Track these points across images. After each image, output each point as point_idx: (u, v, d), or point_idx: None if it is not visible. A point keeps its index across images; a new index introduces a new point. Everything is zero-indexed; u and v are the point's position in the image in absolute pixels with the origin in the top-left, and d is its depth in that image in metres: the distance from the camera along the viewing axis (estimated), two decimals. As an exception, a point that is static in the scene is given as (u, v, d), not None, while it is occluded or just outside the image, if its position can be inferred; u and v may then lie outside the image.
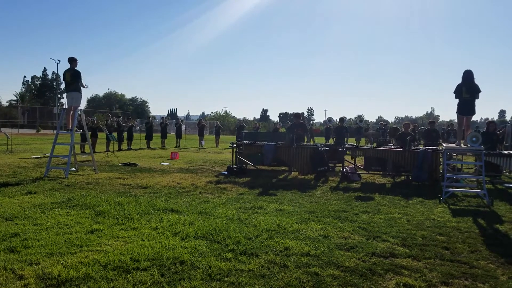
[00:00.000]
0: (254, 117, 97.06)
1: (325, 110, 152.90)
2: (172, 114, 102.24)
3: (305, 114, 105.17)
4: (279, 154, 10.89)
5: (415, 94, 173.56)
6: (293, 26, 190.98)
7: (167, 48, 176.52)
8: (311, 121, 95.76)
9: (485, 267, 3.95)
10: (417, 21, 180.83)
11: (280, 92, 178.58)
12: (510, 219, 6.08)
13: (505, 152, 9.80)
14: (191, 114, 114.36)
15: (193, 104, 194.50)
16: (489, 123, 11.19)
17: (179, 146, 23.15)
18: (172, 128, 35.82)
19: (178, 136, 24.26)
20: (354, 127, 30.19)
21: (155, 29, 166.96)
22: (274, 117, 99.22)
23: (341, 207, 6.69)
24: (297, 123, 11.81)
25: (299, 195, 7.77)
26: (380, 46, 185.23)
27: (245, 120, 65.38)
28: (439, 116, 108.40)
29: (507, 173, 11.37)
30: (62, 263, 3.76)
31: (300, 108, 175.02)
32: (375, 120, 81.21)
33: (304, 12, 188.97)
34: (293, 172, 11.27)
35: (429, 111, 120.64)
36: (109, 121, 19.94)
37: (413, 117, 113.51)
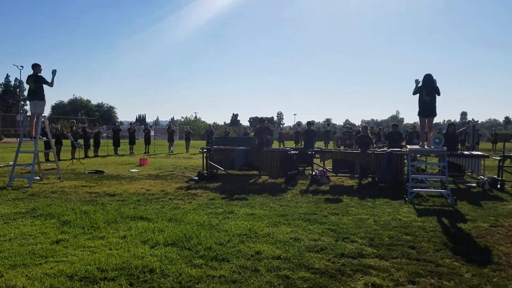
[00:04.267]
0: (225, 122, 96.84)
1: (295, 114, 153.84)
2: (141, 119, 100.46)
3: (275, 118, 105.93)
4: (250, 158, 10.92)
5: (380, 98, 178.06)
6: (262, 29, 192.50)
7: (135, 52, 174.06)
8: (281, 125, 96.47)
9: (450, 265, 4.07)
10: (382, 24, 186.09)
11: (250, 97, 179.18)
12: (473, 217, 6.31)
13: (467, 152, 10.23)
14: (160, 119, 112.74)
15: (163, 109, 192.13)
16: (449, 124, 11.63)
17: (148, 152, 22.80)
18: (141, 134, 35.34)
19: (147, 142, 23.89)
20: (323, 131, 30.63)
21: (120, 31, 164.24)
22: (244, 121, 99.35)
23: (311, 209, 6.77)
24: (262, 128, 11.88)
25: (270, 199, 7.81)
26: (347, 50, 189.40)
27: (215, 125, 65.15)
28: (403, 118, 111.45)
29: (470, 173, 11.82)
30: (26, 275, 3.62)
31: (270, 112, 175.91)
32: (342, 124, 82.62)
33: (273, 16, 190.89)
34: (263, 176, 11.32)
35: (394, 114, 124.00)
36: (75, 127, 19.42)
37: (379, 120, 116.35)
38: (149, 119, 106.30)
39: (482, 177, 9.93)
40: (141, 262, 3.98)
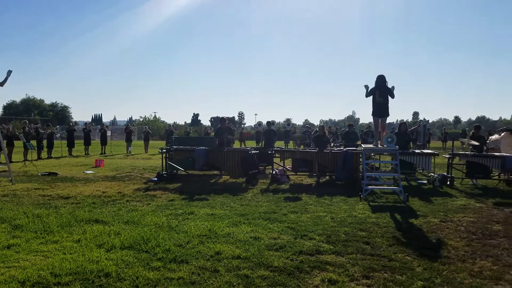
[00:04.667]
0: (185, 122, 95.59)
1: (256, 114, 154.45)
2: (97, 119, 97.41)
3: (236, 118, 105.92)
4: (210, 158, 10.88)
5: (337, 98, 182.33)
6: (222, 28, 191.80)
7: (91, 49, 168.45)
8: (242, 125, 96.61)
9: (402, 259, 4.25)
10: (340, 24, 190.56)
11: (212, 96, 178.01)
12: (424, 213, 6.61)
13: (418, 151, 10.69)
14: (117, 119, 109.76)
15: (120, 108, 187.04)
16: (401, 124, 12.13)
17: (104, 153, 22.15)
18: (97, 134, 34.32)
19: (103, 142, 23.19)
20: (283, 131, 31.00)
21: (76, 27, 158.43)
22: (205, 121, 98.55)
23: (271, 208, 6.85)
24: (223, 127, 11.88)
25: (231, 199, 7.83)
26: (307, 50, 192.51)
27: (175, 124, 64.26)
28: (359, 119, 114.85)
29: (421, 170, 12.37)
30: (-29, 285, 3.44)
31: (231, 112, 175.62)
32: (302, 123, 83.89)
33: (233, 15, 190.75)
34: (224, 176, 11.31)
35: (350, 114, 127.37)
36: (27, 128, 18.55)
37: (336, 120, 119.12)
38: (106, 119, 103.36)
39: (433, 174, 10.44)
40: (96, 266, 3.88)
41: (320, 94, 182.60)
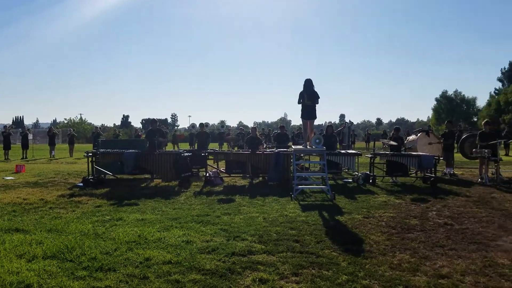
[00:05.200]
0: (114, 124, 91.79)
1: (189, 116, 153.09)
2: (18, 122, 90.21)
3: (169, 120, 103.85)
4: (141, 161, 10.56)
5: (270, 100, 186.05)
6: (155, 28, 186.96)
7: (10, 47, 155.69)
8: (175, 127, 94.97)
9: (329, 255, 4.45)
10: (272, 28, 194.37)
11: (143, 97, 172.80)
12: (349, 210, 6.98)
13: (343, 151, 11.25)
14: (40, 121, 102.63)
15: (43, 110, 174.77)
16: (328, 126, 12.71)
17: (26, 158, 20.66)
18: (17, 137, 32.18)
19: (25, 146, 21.59)
20: (217, 132, 31.03)
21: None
22: (136, 123, 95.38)
23: (204, 211, 6.83)
24: (154, 129, 11.63)
25: (162, 203, 7.68)
26: (241, 52, 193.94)
27: (103, 127, 61.50)
28: (291, 121, 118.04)
29: (346, 170, 13.00)
30: None
31: (164, 113, 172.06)
32: (236, 125, 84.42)
33: (165, 15, 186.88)
34: (156, 180, 11.06)
35: (282, 116, 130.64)
36: None
37: (269, 121, 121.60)
38: (28, 122, 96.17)
39: (357, 173, 11.03)
40: (16, 278, 3.63)
41: (254, 96, 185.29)
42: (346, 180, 11.29)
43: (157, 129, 11.81)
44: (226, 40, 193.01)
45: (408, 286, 3.59)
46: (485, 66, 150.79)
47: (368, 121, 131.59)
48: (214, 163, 12.34)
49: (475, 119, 70.09)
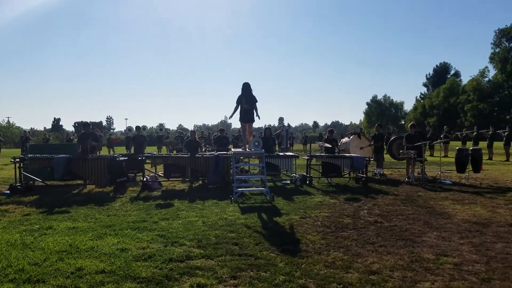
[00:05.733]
0: (45, 127, 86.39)
1: (126, 119, 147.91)
2: None
3: (104, 123, 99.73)
4: (72, 167, 10.04)
5: (211, 103, 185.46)
6: (89, 29, 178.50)
7: None
8: (111, 130, 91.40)
9: (267, 256, 4.52)
10: (210, 29, 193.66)
11: (76, 99, 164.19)
12: (287, 211, 7.13)
13: (281, 153, 11.49)
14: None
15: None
16: (266, 129, 12.92)
17: None
18: None
19: None
20: (155, 136, 30.29)
21: None
22: (68, 126, 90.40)
23: (141, 217, 6.64)
24: (87, 133, 11.12)
25: (96, 210, 7.36)
26: (178, 54, 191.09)
27: (32, 130, 57.66)
28: (231, 123, 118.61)
29: (285, 172, 13.27)
30: None
31: (98, 116, 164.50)
32: (176, 128, 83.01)
33: (98, 16, 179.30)
34: (89, 186, 10.56)
35: (223, 119, 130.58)
36: None
37: (210, 124, 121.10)
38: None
39: (295, 174, 11.31)
40: None
41: (194, 99, 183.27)
42: (285, 181, 11.52)
43: (90, 132, 11.30)
44: (166, 42, 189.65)
45: (341, 283, 3.75)
46: (412, 72, 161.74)
47: (305, 124, 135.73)
48: (151, 167, 12.04)
49: (403, 122, 74.80)
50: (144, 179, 10.42)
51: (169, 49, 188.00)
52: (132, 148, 13.93)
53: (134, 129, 14.94)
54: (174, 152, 16.99)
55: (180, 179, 11.27)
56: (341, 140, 14.59)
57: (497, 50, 62.43)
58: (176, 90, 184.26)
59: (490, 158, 19.60)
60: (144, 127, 18.17)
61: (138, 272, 3.98)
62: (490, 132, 20.25)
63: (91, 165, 10.00)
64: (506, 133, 19.04)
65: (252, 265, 4.21)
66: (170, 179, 11.18)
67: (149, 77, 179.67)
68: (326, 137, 12.96)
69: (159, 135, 28.71)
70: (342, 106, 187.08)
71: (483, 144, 19.88)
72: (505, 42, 61.73)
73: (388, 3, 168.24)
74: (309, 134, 51.01)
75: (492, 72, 64.01)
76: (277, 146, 15.55)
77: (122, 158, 10.75)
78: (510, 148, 19.01)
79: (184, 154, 11.07)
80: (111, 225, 6.05)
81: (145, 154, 11.61)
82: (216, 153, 10.87)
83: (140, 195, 9.24)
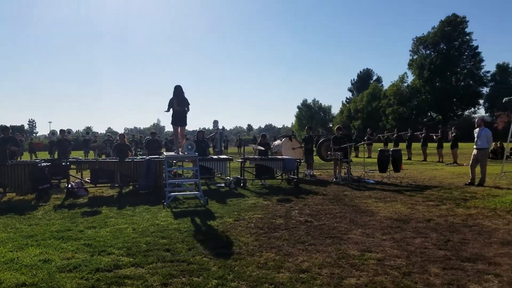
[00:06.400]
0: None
1: (50, 122, 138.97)
2: None
3: (26, 126, 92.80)
4: (-13, 174, 9.23)
5: (143, 105, 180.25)
6: (8, 27, 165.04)
7: None
8: (33, 134, 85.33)
9: (200, 261, 4.48)
10: (142, 30, 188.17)
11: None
12: (221, 214, 7.13)
13: (215, 157, 11.49)
14: None
15: None
16: (199, 132, 12.87)
17: None
18: None
19: None
20: (82, 140, 28.80)
21: None
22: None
23: (65, 226, 6.29)
24: (6, 137, 10.29)
25: (16, 219, 6.85)
26: (108, 56, 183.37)
27: None
28: (164, 126, 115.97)
29: (219, 175, 13.28)
30: None
31: (20, 119, 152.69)
32: (104, 132, 79.47)
33: (17, 15, 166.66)
34: (9, 194, 9.79)
35: (155, 122, 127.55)
36: None
37: (141, 127, 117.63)
38: None
39: (229, 177, 11.36)
40: None
41: (125, 101, 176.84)
42: (219, 184, 11.53)
43: (10, 137, 10.48)
44: (95, 38, 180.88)
45: (273, 283, 3.84)
46: (339, 77, 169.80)
47: (240, 127, 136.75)
48: (77, 173, 11.44)
49: (331, 125, 78.18)
50: (69, 186, 9.87)
51: (98, 46, 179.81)
52: (56, 153, 13.13)
53: (58, 132, 14.04)
54: (103, 156, 16.26)
55: (109, 184, 10.82)
56: (274, 142, 14.91)
57: (415, 57, 67.70)
58: (104, 91, 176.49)
59: (409, 158, 21.11)
60: (69, 131, 17.22)
61: (62, 284, 3.77)
62: (408, 134, 21.85)
63: (10, 172, 9.29)
64: (423, 135, 20.64)
65: (184, 271, 4.17)
66: (98, 185, 10.68)
67: (75, 76, 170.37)
68: (259, 141, 13.17)
69: (86, 139, 27.35)
70: (275, 109, 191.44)
71: (402, 145, 21.40)
72: (422, 49, 67.13)
73: (316, 11, 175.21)
74: (243, 137, 51.43)
75: (410, 78, 69.23)
76: (211, 149, 15.50)
77: (44, 164, 10.08)
78: (427, 149, 20.63)
79: (112, 159, 10.65)
80: (33, 235, 5.67)
81: (70, 159, 10.98)
82: (147, 157, 10.59)
83: (64, 202, 8.74)
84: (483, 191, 9.19)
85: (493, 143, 18.28)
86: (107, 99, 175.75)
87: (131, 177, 10.36)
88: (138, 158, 10.88)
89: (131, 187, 10.86)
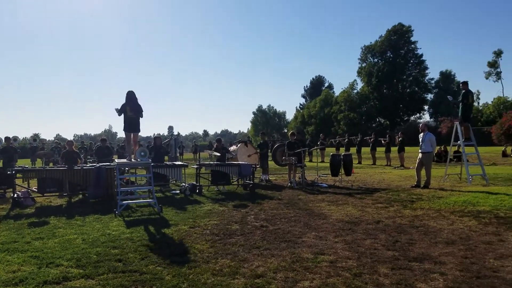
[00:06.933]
0: None
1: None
2: None
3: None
4: None
5: (93, 111, 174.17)
6: None
7: None
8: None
9: (153, 271, 4.40)
10: (97, 40, 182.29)
11: None
12: (176, 222, 7.03)
13: (170, 163, 11.33)
14: None
15: None
16: (155, 138, 12.64)
17: None
18: None
19: None
20: (28, 147, 27.37)
21: None
22: None
23: (11, 237, 5.97)
24: None
25: (-47, 234, 6.40)
26: (58, 60, 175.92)
27: None
28: (117, 133, 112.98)
29: (174, 181, 13.10)
30: None
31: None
32: (52, 139, 75.96)
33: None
34: None
35: (107, 128, 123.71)
36: None
37: (92, 134, 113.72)
38: None
39: (184, 184, 11.23)
40: None
41: (74, 107, 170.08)
42: (174, 191, 11.36)
43: None
44: (40, 42, 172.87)
45: (228, 289, 3.84)
46: (294, 83, 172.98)
47: (195, 132, 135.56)
48: (23, 182, 10.88)
49: (286, 130, 79.48)
50: (15, 196, 9.36)
51: (45, 49, 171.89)
52: (1, 161, 12.43)
53: (3, 140, 13.28)
54: (51, 164, 15.55)
55: (57, 194, 10.37)
56: (229, 148, 14.93)
57: (363, 65, 70.34)
58: (52, 97, 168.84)
59: (360, 162, 21.86)
60: (15, 138, 16.30)
61: (6, 301, 3.58)
62: (358, 139, 22.62)
63: None
64: (372, 140, 21.44)
65: (137, 281, 4.07)
66: (45, 194, 10.22)
67: (20, 81, 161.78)
68: (215, 146, 13.14)
69: (33, 146, 26.01)
70: (231, 115, 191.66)
71: (353, 150, 22.14)
72: (370, 57, 69.91)
73: (270, 19, 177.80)
74: (199, 143, 51.04)
75: (360, 85, 71.84)
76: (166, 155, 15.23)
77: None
78: (376, 153, 21.44)
79: (61, 167, 10.22)
80: (-28, 249, 5.32)
81: (16, 168, 10.41)
82: (97, 165, 10.25)
83: (10, 213, 8.29)
84: (428, 193, 9.68)
85: (437, 147, 19.29)
86: (56, 105, 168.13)
87: (80, 186, 9.99)
88: (88, 165, 10.51)
89: (80, 196, 10.47)
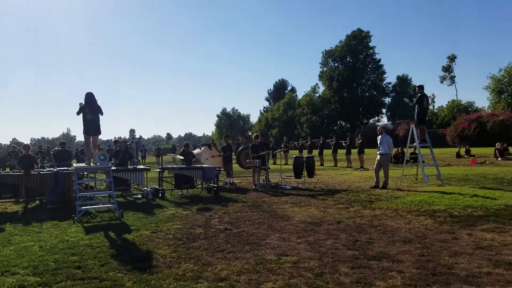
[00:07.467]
0: None
1: None
2: None
3: None
4: None
5: (51, 113, 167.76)
6: None
7: None
8: None
9: (113, 277, 4.29)
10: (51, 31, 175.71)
11: None
12: (137, 227, 6.90)
13: (131, 167, 11.11)
14: None
15: None
16: (122, 142, 12.37)
17: None
18: None
19: None
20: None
21: None
22: None
23: (-39, 247, 5.66)
24: None
25: None
26: (23, 61, 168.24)
27: None
28: (75, 136, 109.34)
29: (136, 185, 12.85)
30: None
31: None
32: (9, 143, 72.45)
33: None
34: None
35: (65, 131, 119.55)
36: None
37: (50, 138, 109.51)
38: None
39: (146, 188, 11.04)
40: None
41: (31, 108, 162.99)
42: (136, 196, 11.13)
43: None
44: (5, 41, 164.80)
45: (192, 293, 3.82)
46: (257, 86, 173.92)
47: (158, 136, 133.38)
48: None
49: (250, 133, 79.80)
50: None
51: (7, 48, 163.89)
52: None
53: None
54: (7, 169, 14.87)
55: (13, 200, 9.94)
56: (193, 151, 14.82)
57: (324, 69, 71.76)
58: (8, 99, 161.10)
59: (322, 164, 22.28)
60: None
61: (-45, 313, 3.40)
62: (320, 142, 23.08)
63: None
64: (333, 142, 21.93)
65: (96, 288, 3.98)
66: (0, 200, 9.77)
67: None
68: (182, 150, 13.02)
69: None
70: (195, 118, 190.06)
71: (315, 152, 22.52)
72: (331, 62, 71.44)
73: (235, 21, 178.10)
74: (162, 146, 50.23)
75: (321, 89, 73.24)
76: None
77: None
78: (337, 155, 21.93)
79: (17, 171, 9.80)
80: None
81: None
82: (55, 169, 9.90)
83: (-42, 221, 7.86)
84: (386, 193, 10.01)
85: (395, 149, 19.98)
86: (12, 108, 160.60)
87: (37, 191, 9.63)
88: (45, 170, 10.13)
89: (37, 201, 10.08)
